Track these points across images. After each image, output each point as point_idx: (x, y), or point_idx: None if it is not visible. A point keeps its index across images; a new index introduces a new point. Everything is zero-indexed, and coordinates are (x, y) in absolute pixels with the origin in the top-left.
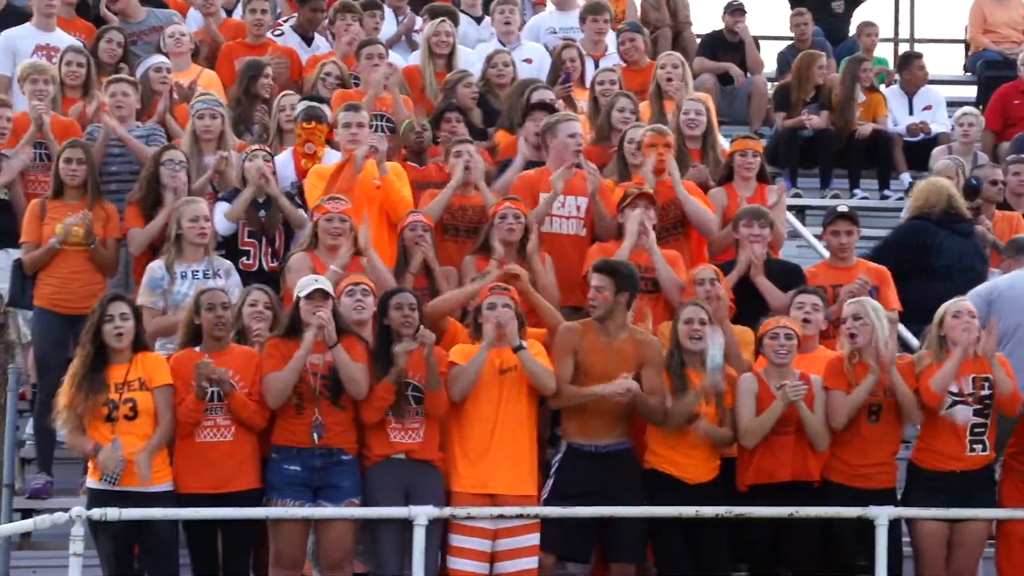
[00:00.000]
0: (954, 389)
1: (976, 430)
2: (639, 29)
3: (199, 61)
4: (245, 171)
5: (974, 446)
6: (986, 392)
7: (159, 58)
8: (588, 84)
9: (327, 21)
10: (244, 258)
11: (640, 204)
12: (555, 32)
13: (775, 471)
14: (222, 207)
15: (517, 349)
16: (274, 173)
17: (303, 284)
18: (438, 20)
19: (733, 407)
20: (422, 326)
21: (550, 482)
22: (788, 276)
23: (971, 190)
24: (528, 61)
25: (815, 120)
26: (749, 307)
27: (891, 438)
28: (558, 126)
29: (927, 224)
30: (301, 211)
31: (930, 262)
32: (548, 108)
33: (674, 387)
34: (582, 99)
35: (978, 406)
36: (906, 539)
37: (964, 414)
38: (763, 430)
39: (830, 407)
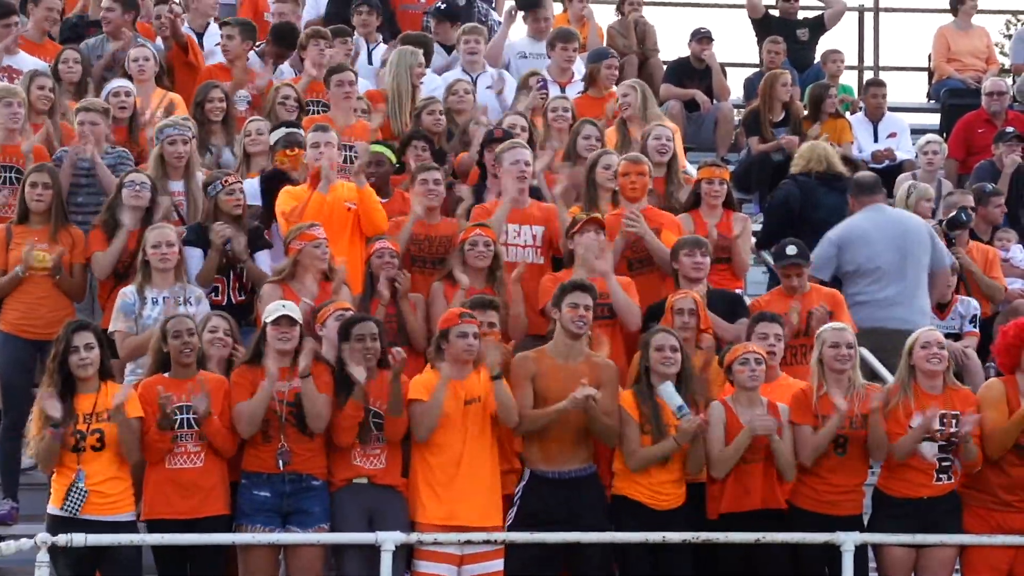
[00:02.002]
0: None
1: (943, 463)
2: (617, 57)
3: (164, 84)
4: (211, 233)
5: (940, 476)
6: (953, 429)
7: (121, 82)
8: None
9: (299, 47)
10: (212, 294)
11: (590, 229)
12: (526, 56)
13: (745, 499)
14: (194, 258)
15: (495, 378)
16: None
17: (270, 310)
18: (403, 53)
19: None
20: (396, 348)
21: (514, 509)
22: (732, 305)
23: (959, 223)
24: (491, 88)
25: (794, 140)
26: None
27: (858, 469)
28: (503, 154)
29: (808, 180)
30: (263, 269)
31: (809, 214)
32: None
33: (643, 414)
34: (543, 127)
35: (944, 442)
36: (872, 564)
37: (931, 450)
38: (731, 461)
39: (798, 443)
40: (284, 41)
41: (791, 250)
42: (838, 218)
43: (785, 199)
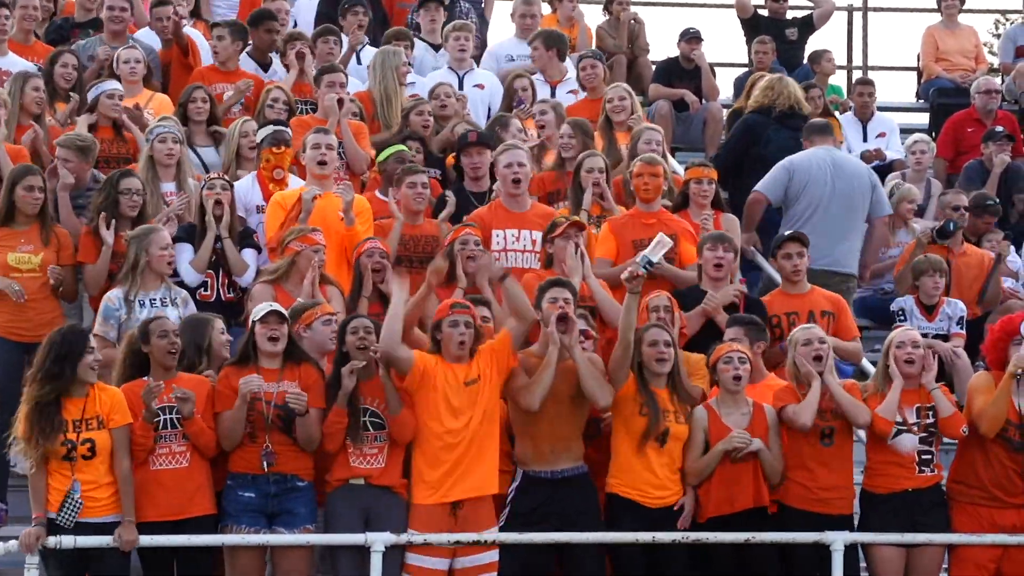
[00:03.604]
0: (898, 419)
1: (923, 456)
2: (600, 57)
3: (151, 85)
4: (207, 210)
5: (922, 468)
6: (930, 420)
7: (111, 83)
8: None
9: (279, 53)
10: (201, 289)
11: (571, 232)
12: (513, 59)
13: (736, 500)
14: (184, 252)
15: (502, 279)
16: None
17: (257, 310)
18: (387, 52)
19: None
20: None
21: (506, 510)
22: (750, 308)
23: (947, 233)
24: (480, 87)
25: None
26: (702, 335)
27: (845, 463)
28: (500, 156)
29: (761, 118)
30: (244, 259)
31: (758, 151)
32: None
33: (640, 397)
34: (533, 128)
35: (923, 434)
36: (863, 564)
37: (910, 442)
38: (704, 473)
39: (792, 415)
40: (258, 22)
41: (789, 231)
42: (787, 154)
43: (730, 142)
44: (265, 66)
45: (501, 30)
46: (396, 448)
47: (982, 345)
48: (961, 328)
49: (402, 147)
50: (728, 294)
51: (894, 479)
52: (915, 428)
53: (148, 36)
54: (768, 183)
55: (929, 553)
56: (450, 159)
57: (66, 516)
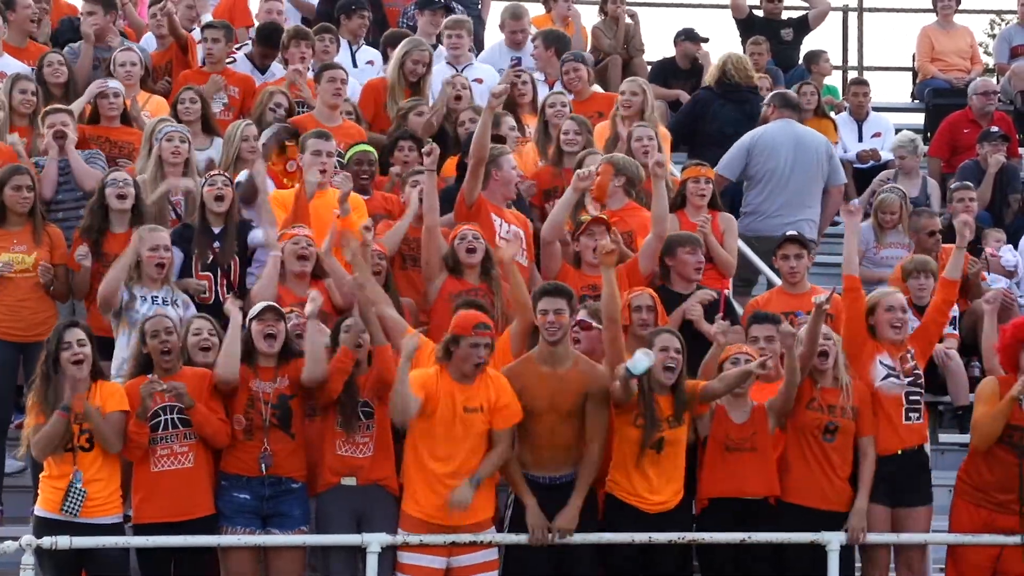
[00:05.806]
0: (889, 362)
1: (911, 398)
2: (582, 59)
3: (148, 87)
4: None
5: (910, 414)
6: (911, 364)
7: (110, 81)
8: (539, 108)
9: (281, 47)
10: (200, 292)
11: (596, 230)
12: (503, 70)
13: (738, 486)
14: (176, 259)
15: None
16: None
17: (255, 307)
18: (416, 44)
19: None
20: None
21: (509, 511)
22: (729, 314)
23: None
24: (478, 81)
25: None
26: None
27: (844, 460)
28: (502, 159)
29: (706, 93)
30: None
31: (704, 128)
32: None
33: (642, 411)
34: (532, 124)
35: (909, 378)
36: (858, 564)
37: (897, 385)
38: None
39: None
40: (269, 41)
41: (790, 232)
42: (735, 128)
43: (679, 115)
44: (263, 70)
45: (498, 31)
46: (384, 436)
47: (994, 345)
48: (954, 328)
49: (365, 147)
50: (707, 295)
51: (883, 437)
52: (901, 374)
53: (150, 39)
54: (726, 162)
55: (914, 521)
56: (450, 165)
57: (70, 506)
